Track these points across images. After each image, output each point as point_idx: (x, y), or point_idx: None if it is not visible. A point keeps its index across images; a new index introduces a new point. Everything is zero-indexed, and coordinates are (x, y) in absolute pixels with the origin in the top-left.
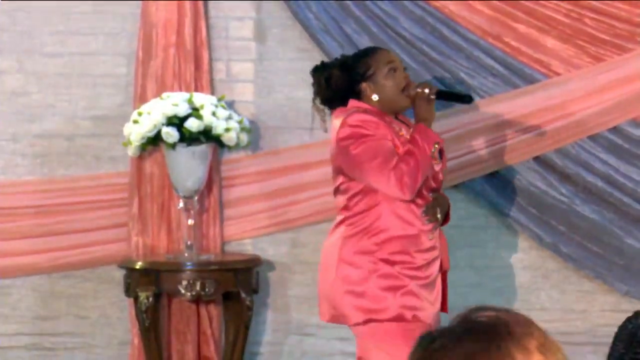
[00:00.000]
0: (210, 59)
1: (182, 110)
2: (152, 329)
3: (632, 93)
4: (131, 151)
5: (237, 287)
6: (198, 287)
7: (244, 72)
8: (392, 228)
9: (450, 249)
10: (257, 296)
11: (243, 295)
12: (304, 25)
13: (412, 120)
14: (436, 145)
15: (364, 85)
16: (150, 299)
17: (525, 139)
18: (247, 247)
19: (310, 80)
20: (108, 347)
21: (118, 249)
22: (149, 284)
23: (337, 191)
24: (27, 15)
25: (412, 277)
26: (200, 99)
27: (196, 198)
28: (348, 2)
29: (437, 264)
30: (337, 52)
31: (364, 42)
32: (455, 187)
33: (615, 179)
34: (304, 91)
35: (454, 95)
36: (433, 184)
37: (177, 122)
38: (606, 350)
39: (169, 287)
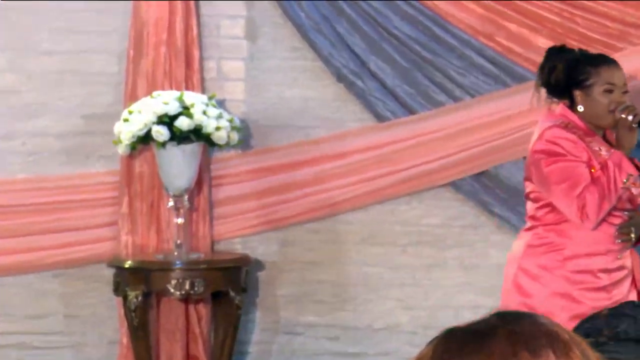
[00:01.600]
0: (201, 58)
1: (173, 108)
2: (141, 328)
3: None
4: (121, 150)
5: (226, 286)
6: (187, 286)
7: (235, 70)
8: (577, 246)
9: (439, 248)
10: (246, 295)
11: (232, 294)
12: (296, 24)
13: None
14: (630, 177)
15: (577, 92)
16: (140, 298)
17: (517, 138)
18: (236, 246)
19: (302, 79)
20: (97, 346)
21: (107, 248)
22: (138, 283)
23: (527, 198)
24: (19, 13)
25: (592, 299)
26: (190, 97)
27: (186, 197)
28: (340, 0)
29: (625, 285)
30: (328, 51)
31: (356, 41)
32: (445, 186)
33: None
34: (295, 90)
35: None
36: (628, 206)
37: (167, 120)
38: None
39: (158, 286)
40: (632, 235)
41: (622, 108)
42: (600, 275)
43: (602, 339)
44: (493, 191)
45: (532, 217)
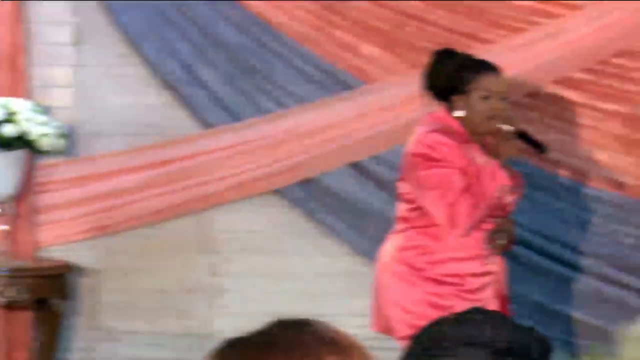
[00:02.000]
0: (27, 65)
1: None
2: None
3: None
4: None
5: (50, 293)
6: (10, 293)
7: (62, 77)
8: (447, 250)
9: (264, 255)
10: (69, 302)
11: (54, 301)
12: (123, 31)
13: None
14: (502, 187)
15: (456, 97)
16: None
17: (343, 145)
18: (61, 253)
19: (129, 86)
20: None
21: None
22: None
23: (400, 199)
24: None
25: (462, 299)
26: (16, 104)
27: (10, 203)
28: (167, 7)
29: (490, 290)
30: (155, 58)
31: (184, 48)
32: (271, 193)
33: None
34: (122, 97)
35: (532, 141)
36: (499, 213)
37: None
38: None
39: None
40: (501, 242)
41: (501, 119)
42: (469, 279)
43: (446, 343)
44: (319, 198)
45: (404, 219)
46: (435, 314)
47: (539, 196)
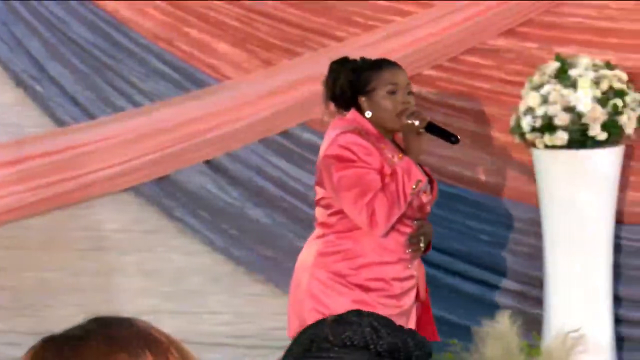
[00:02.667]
0: None
1: None
2: None
3: (302, 97)
4: None
5: None
6: None
7: None
8: (370, 254)
9: (120, 253)
10: None
11: None
12: None
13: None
14: (419, 183)
15: (362, 99)
16: None
17: (197, 143)
18: None
19: None
20: None
21: None
22: None
23: (317, 204)
24: None
25: (385, 307)
26: None
27: None
28: (17, 4)
29: (412, 294)
30: (7, 56)
31: (35, 46)
32: (126, 190)
33: (286, 183)
34: None
35: (442, 132)
36: (418, 214)
37: None
38: (277, 353)
39: None
40: (422, 245)
41: (409, 114)
42: (393, 283)
43: (325, 344)
44: (174, 195)
45: (323, 224)
46: None
47: None
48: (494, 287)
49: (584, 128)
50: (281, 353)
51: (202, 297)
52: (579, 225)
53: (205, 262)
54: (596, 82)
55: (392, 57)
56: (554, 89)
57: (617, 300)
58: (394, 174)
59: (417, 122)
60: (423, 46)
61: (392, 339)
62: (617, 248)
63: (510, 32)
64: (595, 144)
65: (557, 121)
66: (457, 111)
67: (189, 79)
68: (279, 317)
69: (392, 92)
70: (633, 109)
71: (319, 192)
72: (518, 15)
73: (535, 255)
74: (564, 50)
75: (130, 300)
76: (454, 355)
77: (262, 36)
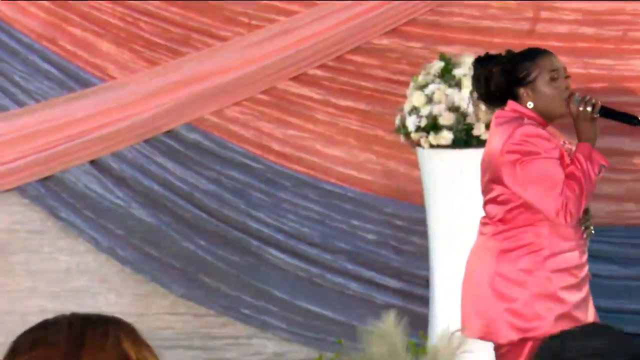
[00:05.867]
0: None
1: None
2: None
3: (187, 97)
4: None
5: None
6: None
7: None
8: (554, 245)
9: (5, 253)
10: None
11: None
12: None
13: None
14: (602, 168)
15: (521, 90)
16: None
17: (82, 143)
18: None
19: None
20: None
21: None
22: None
23: (493, 201)
24: None
25: (572, 297)
26: None
27: None
28: None
29: (588, 280)
30: None
31: None
32: (10, 190)
33: (172, 183)
34: None
35: (620, 115)
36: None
37: None
38: (165, 353)
39: None
40: (592, 227)
41: (577, 100)
42: (575, 272)
43: (571, 355)
44: (59, 196)
45: (501, 220)
46: (550, 314)
47: (280, 194)
48: (380, 286)
49: (469, 127)
50: (169, 353)
51: (89, 297)
52: (464, 225)
53: (92, 262)
54: None
55: (277, 57)
56: (438, 89)
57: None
58: (577, 161)
59: (589, 109)
60: (307, 45)
61: (633, 348)
62: None
63: (394, 32)
64: (480, 143)
65: (442, 120)
66: (342, 111)
67: (73, 79)
68: (165, 316)
69: (554, 79)
70: None
71: (495, 189)
72: (402, 15)
73: (421, 255)
74: (448, 50)
75: (18, 301)
76: (340, 355)
77: (146, 36)
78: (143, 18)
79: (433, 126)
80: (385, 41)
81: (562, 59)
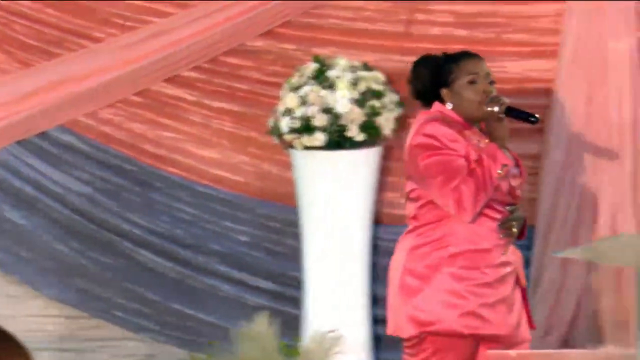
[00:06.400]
0: None
1: None
2: None
3: (60, 98)
4: None
5: None
6: None
7: None
8: (462, 242)
9: None
10: None
11: None
12: None
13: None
14: (504, 167)
15: (444, 91)
16: None
17: None
18: None
19: None
20: None
21: None
22: None
23: (408, 198)
24: None
25: (479, 296)
26: None
27: None
28: None
29: (511, 281)
30: None
31: None
32: None
33: (44, 185)
34: None
35: (521, 114)
36: (508, 199)
37: None
38: (38, 355)
39: None
40: (514, 230)
41: (488, 101)
42: (487, 271)
43: None
44: None
45: (414, 218)
46: (452, 310)
47: (153, 195)
48: (252, 287)
49: (342, 129)
50: (41, 354)
51: None
52: (337, 226)
53: None
54: (354, 84)
55: (151, 58)
56: (312, 90)
57: (375, 300)
58: (479, 159)
59: (496, 108)
60: (182, 47)
61: None
62: (375, 249)
63: (269, 34)
64: (353, 145)
65: (315, 122)
66: (216, 112)
67: None
68: (37, 318)
69: (473, 82)
70: (390, 110)
71: (409, 185)
72: (277, 17)
73: (294, 256)
74: (322, 52)
75: None
76: (212, 357)
77: (20, 37)
78: (16, 19)
79: (306, 128)
80: (259, 43)
81: None
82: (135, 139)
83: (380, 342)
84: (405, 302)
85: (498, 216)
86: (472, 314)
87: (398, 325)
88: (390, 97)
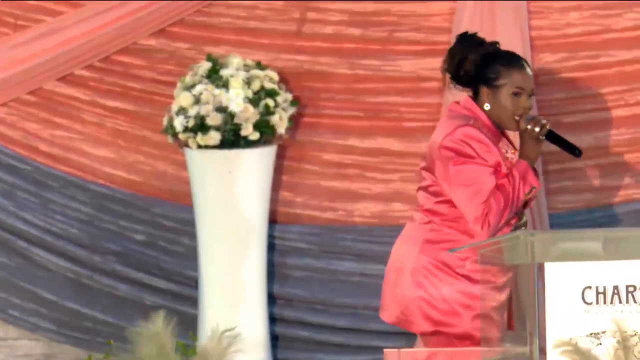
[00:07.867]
0: None
1: None
2: None
3: None
4: None
5: None
6: None
7: None
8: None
9: None
10: None
11: None
12: None
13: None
14: (532, 190)
15: (484, 89)
16: None
17: None
18: None
19: None
20: None
21: None
22: None
23: (424, 189)
24: None
25: (492, 298)
26: None
27: None
28: None
29: (510, 287)
30: None
31: None
32: None
33: None
34: None
35: (564, 143)
36: (521, 208)
37: None
38: None
39: None
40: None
41: (528, 118)
42: (498, 274)
43: None
44: None
45: (430, 211)
46: (467, 311)
47: (48, 194)
48: (149, 287)
49: (237, 128)
50: None
51: None
52: (233, 225)
53: None
54: (247, 82)
55: (43, 57)
56: (205, 89)
57: (272, 299)
58: (510, 176)
59: (537, 129)
60: (74, 46)
61: None
62: (271, 247)
63: (161, 32)
64: (248, 143)
65: (210, 121)
66: (110, 111)
67: None
68: None
69: (517, 94)
70: (284, 109)
71: (428, 178)
72: (169, 15)
73: (190, 255)
74: (215, 51)
75: None
76: (110, 356)
77: None
78: None
79: (201, 126)
80: (152, 42)
81: (328, 60)
82: (29, 138)
83: (278, 341)
84: (418, 297)
85: (512, 221)
86: (486, 316)
87: (408, 318)
88: (284, 96)
